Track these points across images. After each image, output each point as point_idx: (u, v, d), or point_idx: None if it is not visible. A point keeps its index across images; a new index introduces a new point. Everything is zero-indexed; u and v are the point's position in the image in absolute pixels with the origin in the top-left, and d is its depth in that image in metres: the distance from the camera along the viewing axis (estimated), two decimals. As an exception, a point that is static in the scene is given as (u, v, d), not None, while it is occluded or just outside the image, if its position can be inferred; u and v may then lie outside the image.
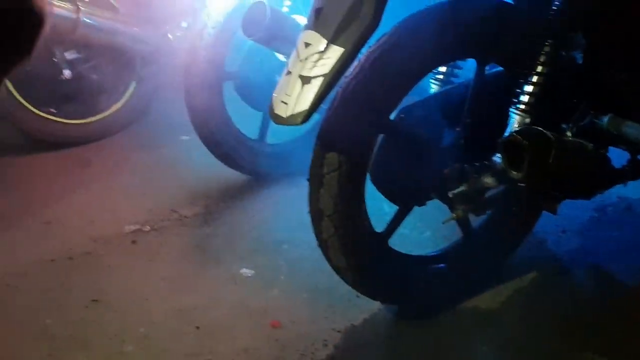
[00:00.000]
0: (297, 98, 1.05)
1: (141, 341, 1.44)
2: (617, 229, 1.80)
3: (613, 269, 1.63)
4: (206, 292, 1.61)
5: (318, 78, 1.03)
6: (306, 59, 1.05)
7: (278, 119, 1.08)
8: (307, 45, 1.05)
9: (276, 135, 2.20)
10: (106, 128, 2.56)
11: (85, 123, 2.51)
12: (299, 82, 1.05)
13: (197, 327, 1.48)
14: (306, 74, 1.04)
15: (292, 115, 1.05)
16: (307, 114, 1.04)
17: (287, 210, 1.97)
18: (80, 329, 1.49)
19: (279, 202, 2.03)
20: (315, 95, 1.03)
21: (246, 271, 1.68)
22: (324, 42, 1.03)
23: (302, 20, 1.79)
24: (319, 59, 1.03)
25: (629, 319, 1.44)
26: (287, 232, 1.84)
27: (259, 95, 2.06)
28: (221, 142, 2.04)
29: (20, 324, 1.51)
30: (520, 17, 1.29)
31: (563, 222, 1.82)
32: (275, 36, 1.68)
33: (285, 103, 1.06)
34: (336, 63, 1.02)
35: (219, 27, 1.93)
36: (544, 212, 1.76)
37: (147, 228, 1.91)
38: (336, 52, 1.02)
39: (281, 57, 1.89)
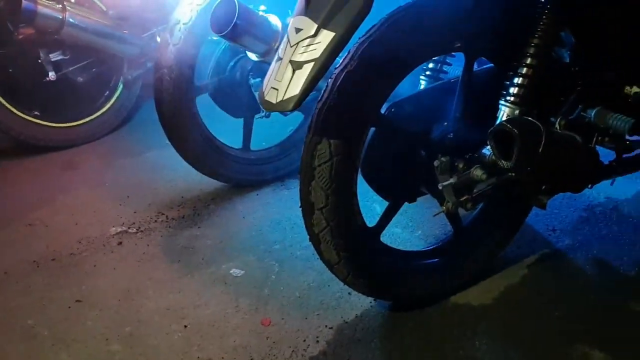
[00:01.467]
0: (288, 84, 1.04)
1: (127, 340, 1.41)
2: (605, 228, 1.80)
3: (602, 265, 1.63)
4: (195, 292, 1.58)
5: (309, 63, 1.02)
6: (297, 44, 1.04)
7: (268, 106, 1.07)
8: (297, 30, 1.04)
9: (262, 140, 2.20)
10: (92, 132, 2.54)
11: (70, 126, 2.48)
12: (290, 67, 1.04)
13: (186, 326, 1.45)
14: (297, 59, 1.03)
15: (283, 101, 1.04)
16: (299, 99, 1.03)
17: (278, 211, 1.95)
18: (63, 329, 1.46)
19: (270, 204, 2.01)
20: (307, 80, 1.02)
21: (236, 271, 1.66)
22: (315, 26, 1.02)
23: (274, 19, 1.78)
24: (310, 44, 1.02)
25: (621, 311, 1.43)
26: (278, 232, 1.83)
27: (235, 101, 2.04)
28: (203, 158, 2.00)
29: (1, 325, 1.48)
30: (507, 10, 1.28)
31: (553, 222, 1.83)
32: (245, 32, 1.66)
33: (276, 89, 1.05)
34: (327, 47, 1.01)
35: (181, 42, 1.84)
36: (534, 213, 1.78)
37: (134, 230, 1.88)
38: (327, 37, 1.01)
39: (253, 56, 1.86)
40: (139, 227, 1.90)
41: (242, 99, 2.02)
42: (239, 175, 2.09)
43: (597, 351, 1.31)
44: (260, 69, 2.00)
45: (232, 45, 1.97)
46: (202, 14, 1.82)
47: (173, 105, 1.89)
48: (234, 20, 1.60)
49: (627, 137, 1.46)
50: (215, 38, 1.92)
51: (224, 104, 2.05)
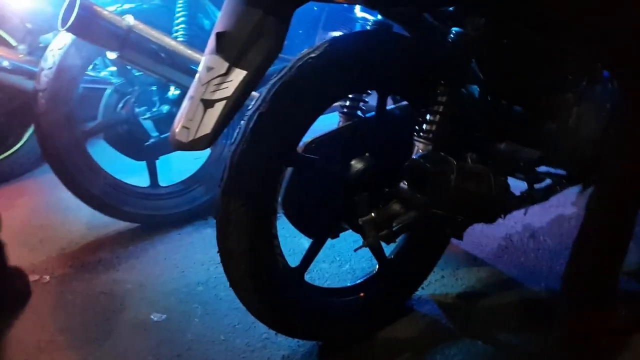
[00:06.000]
0: (199, 122, 1.02)
1: (37, 398, 1.32)
2: (523, 255, 1.86)
3: (522, 292, 1.67)
4: (112, 341, 1.50)
5: (221, 101, 1.01)
6: (208, 82, 1.03)
7: (180, 145, 1.04)
8: (209, 69, 1.03)
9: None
10: (1, 172, 2.42)
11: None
12: (202, 106, 1.03)
13: (102, 379, 1.38)
14: (208, 97, 1.02)
15: (194, 140, 1.02)
16: (211, 138, 1.01)
17: (201, 251, 1.91)
18: (-36, 389, 1.35)
19: (193, 243, 1.96)
20: (219, 119, 1.01)
21: (157, 316, 1.60)
22: (226, 65, 1.01)
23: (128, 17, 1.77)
24: (222, 82, 1.01)
25: (542, 335, 1.47)
26: (202, 273, 1.78)
27: (132, 144, 2.01)
28: (109, 203, 1.95)
29: None
30: (417, 50, 1.33)
31: (474, 251, 1.87)
32: (91, 24, 1.66)
33: (187, 128, 1.03)
34: (239, 86, 1.01)
35: (49, 87, 1.83)
36: (456, 243, 1.82)
37: (46, 277, 1.78)
38: (239, 76, 1.01)
39: (112, 55, 1.79)
40: (53, 273, 1.80)
41: (139, 141, 2.00)
42: (151, 212, 2.04)
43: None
44: (151, 103, 2.01)
45: (121, 86, 1.97)
46: (64, 57, 1.83)
47: (59, 153, 1.86)
48: (76, 11, 1.60)
49: (537, 168, 1.54)
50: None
51: (122, 148, 2.02)
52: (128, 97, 1.99)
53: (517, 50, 1.38)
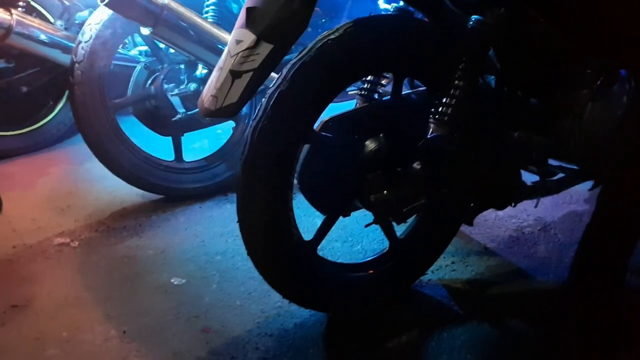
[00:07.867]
0: (227, 92, 1.09)
1: (64, 345, 1.41)
2: (533, 247, 1.89)
3: (530, 282, 1.71)
4: (134, 300, 1.59)
5: (248, 73, 1.07)
6: (237, 54, 1.09)
7: (208, 112, 1.11)
8: (237, 42, 1.10)
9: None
10: (33, 142, 2.52)
11: (10, 135, 2.45)
12: (230, 76, 1.09)
13: (124, 332, 1.45)
14: (236, 68, 1.09)
15: (222, 108, 1.09)
16: (237, 107, 1.08)
17: (221, 223, 1.98)
18: (-3, 334, 1.44)
19: (213, 216, 2.04)
20: (245, 89, 1.08)
21: (177, 280, 1.67)
22: (254, 38, 1.08)
23: None
24: (249, 54, 1.08)
25: (550, 328, 1.49)
26: (221, 243, 1.86)
27: (159, 120, 2.10)
28: (135, 173, 2.04)
29: None
30: (435, 35, 1.36)
31: (485, 240, 1.90)
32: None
33: (215, 97, 1.10)
34: (266, 59, 1.07)
35: (85, 59, 1.93)
36: (468, 231, 1.86)
37: (74, 238, 1.88)
38: (266, 49, 1.07)
39: (145, 31, 1.87)
40: (80, 236, 1.89)
41: (166, 117, 2.08)
42: (175, 185, 2.13)
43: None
44: (179, 80, 2.09)
45: (150, 64, 2.07)
46: (101, 31, 1.93)
47: (90, 122, 1.95)
48: None
49: (550, 162, 1.56)
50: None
51: (149, 123, 2.11)
52: (157, 74, 2.07)
53: (535, 42, 1.41)
